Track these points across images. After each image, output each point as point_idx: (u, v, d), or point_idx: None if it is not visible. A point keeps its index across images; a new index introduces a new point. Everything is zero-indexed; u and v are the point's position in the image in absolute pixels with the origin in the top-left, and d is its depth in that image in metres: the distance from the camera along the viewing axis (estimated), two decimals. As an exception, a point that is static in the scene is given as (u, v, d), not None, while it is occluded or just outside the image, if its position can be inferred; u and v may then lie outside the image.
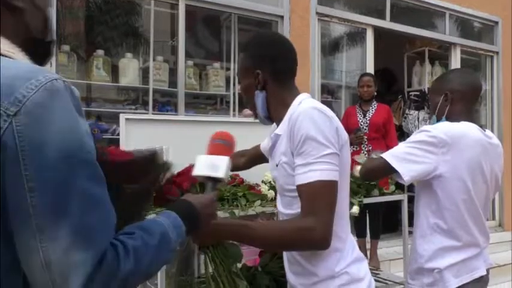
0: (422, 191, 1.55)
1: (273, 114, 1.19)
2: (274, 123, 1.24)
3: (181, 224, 0.82)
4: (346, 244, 1.12)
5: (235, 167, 1.61)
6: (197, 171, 1.06)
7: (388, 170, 1.49)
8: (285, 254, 1.23)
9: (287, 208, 1.15)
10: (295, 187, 1.07)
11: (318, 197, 1.01)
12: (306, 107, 1.07)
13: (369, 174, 1.62)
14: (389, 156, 1.48)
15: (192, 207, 0.88)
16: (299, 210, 1.07)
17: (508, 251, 4.30)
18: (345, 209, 1.13)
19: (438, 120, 1.60)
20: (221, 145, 1.08)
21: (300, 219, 1.03)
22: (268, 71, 1.17)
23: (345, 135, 1.10)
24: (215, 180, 1.04)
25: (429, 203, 1.52)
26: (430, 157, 1.44)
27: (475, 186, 1.49)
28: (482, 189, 1.52)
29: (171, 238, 0.77)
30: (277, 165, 1.14)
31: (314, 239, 1.01)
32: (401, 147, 1.51)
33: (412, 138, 1.52)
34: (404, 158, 1.46)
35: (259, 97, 1.18)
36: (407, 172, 1.44)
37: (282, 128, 1.14)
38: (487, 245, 1.56)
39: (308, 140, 1.02)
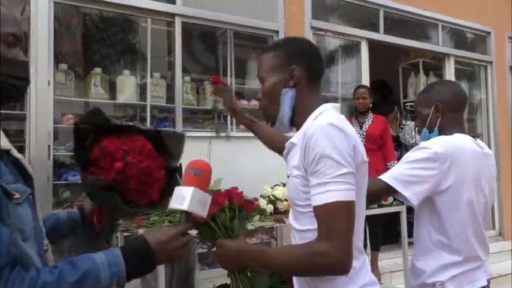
0: (423, 207, 1.53)
1: (297, 118, 1.15)
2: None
3: (121, 263, 0.83)
4: (357, 265, 1.05)
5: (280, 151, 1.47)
6: (169, 205, 1.01)
7: (391, 193, 1.47)
8: None
9: (296, 222, 1.11)
10: (304, 203, 1.04)
11: (334, 219, 0.95)
12: (323, 123, 1.01)
13: (371, 198, 1.51)
14: (392, 179, 1.44)
15: (145, 244, 0.89)
16: (308, 226, 1.05)
17: (509, 260, 4.28)
18: (358, 228, 1.07)
19: (430, 132, 1.61)
20: (191, 175, 1.02)
21: (315, 244, 0.98)
22: (305, 67, 1.14)
23: (363, 154, 1.05)
24: (187, 213, 0.99)
25: (431, 219, 1.50)
26: (433, 174, 1.42)
27: (477, 198, 1.49)
28: (482, 200, 1.52)
29: (100, 276, 0.80)
30: (288, 177, 1.09)
31: (329, 265, 0.95)
32: (402, 169, 1.46)
33: (411, 156, 1.49)
34: (408, 181, 1.42)
35: (288, 95, 1.13)
36: (414, 196, 1.41)
37: (297, 137, 1.10)
38: (488, 257, 1.56)
39: (323, 159, 0.97)
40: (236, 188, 1.90)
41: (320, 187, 0.97)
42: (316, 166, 0.98)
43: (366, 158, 1.07)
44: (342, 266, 0.96)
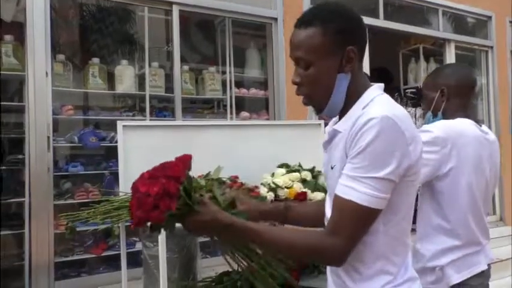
0: (425, 193, 1.54)
1: (344, 104, 1.00)
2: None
3: None
4: (399, 268, 0.98)
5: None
6: None
7: None
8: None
9: None
10: None
11: (346, 218, 0.91)
12: (379, 113, 0.89)
13: None
14: None
15: None
16: None
17: (509, 245, 4.30)
18: (401, 233, 0.99)
19: (434, 116, 1.60)
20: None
21: (320, 236, 0.94)
22: (359, 46, 0.98)
23: (417, 152, 0.94)
24: None
25: (432, 204, 1.51)
26: (435, 158, 1.43)
27: (477, 183, 1.49)
28: (483, 185, 1.52)
29: None
30: (332, 168, 1.00)
31: (328, 258, 0.96)
32: None
33: None
34: None
35: (344, 82, 0.98)
36: None
37: (343, 126, 0.98)
38: (488, 242, 1.56)
39: (363, 153, 0.88)
40: (235, 181, 1.83)
41: (348, 180, 0.91)
42: (355, 158, 0.90)
43: (419, 154, 0.96)
44: (337, 262, 0.95)
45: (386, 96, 0.99)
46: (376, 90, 1.00)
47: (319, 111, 1.04)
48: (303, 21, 0.99)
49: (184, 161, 0.95)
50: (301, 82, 1.00)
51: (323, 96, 1.00)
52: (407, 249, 1.02)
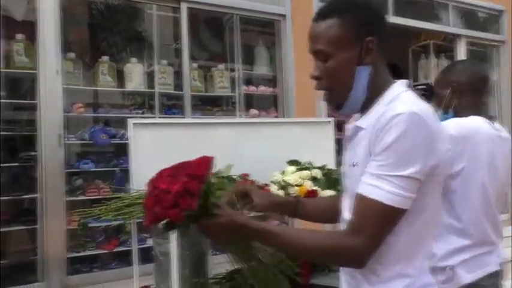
0: None
1: (365, 99, 0.98)
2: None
3: None
4: (418, 271, 0.96)
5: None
6: None
7: None
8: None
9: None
10: None
11: (370, 218, 0.88)
12: (406, 109, 0.86)
13: None
14: None
15: None
16: None
17: (521, 242, 4.26)
18: (425, 235, 0.97)
19: (445, 113, 1.58)
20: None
21: (341, 236, 0.93)
22: (379, 37, 0.96)
23: (443, 150, 0.92)
24: None
25: (443, 203, 1.49)
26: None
27: (490, 181, 1.47)
28: (496, 183, 1.50)
29: None
30: (354, 165, 0.97)
31: (350, 259, 0.92)
32: None
33: None
34: None
35: (364, 74, 0.96)
36: None
37: (366, 122, 0.95)
38: (501, 241, 1.54)
39: (389, 150, 0.86)
40: (246, 179, 1.82)
41: (371, 178, 0.88)
42: (380, 155, 0.87)
43: (446, 151, 0.93)
44: (360, 264, 0.92)
45: (412, 93, 0.96)
46: (401, 86, 0.98)
47: (339, 107, 1.01)
48: (321, 14, 0.98)
49: (206, 162, 0.93)
50: (321, 75, 0.98)
51: (343, 90, 0.97)
52: (428, 252, 1.00)
